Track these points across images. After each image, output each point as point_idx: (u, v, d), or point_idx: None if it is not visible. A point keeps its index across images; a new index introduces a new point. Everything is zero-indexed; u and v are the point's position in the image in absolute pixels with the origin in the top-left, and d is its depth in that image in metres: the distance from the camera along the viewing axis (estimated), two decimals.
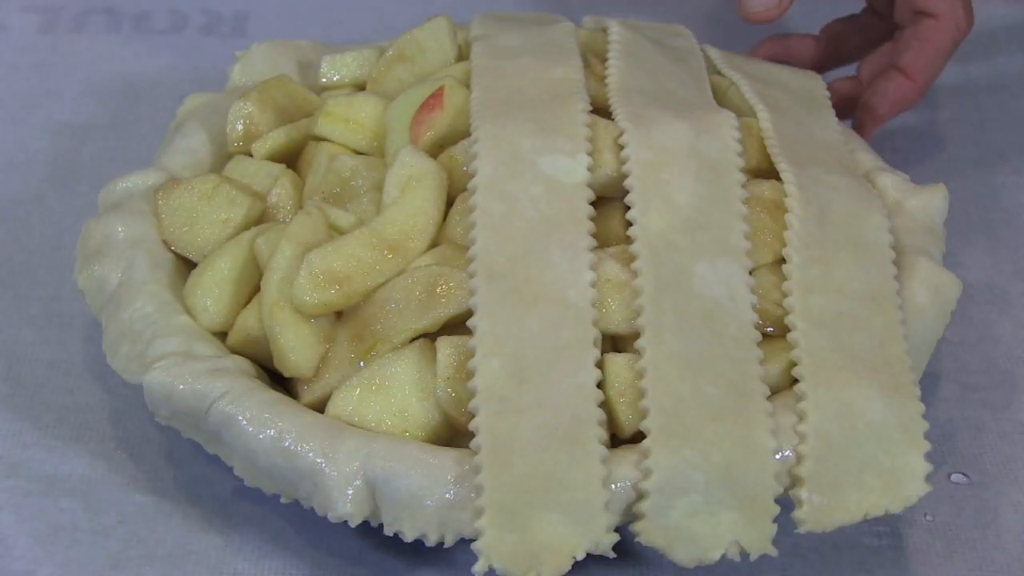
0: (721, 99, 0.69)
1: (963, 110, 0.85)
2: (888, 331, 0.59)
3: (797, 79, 0.73)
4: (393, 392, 0.57)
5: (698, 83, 0.69)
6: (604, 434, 0.55)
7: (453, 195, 0.63)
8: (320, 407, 0.58)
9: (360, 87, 0.72)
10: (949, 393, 0.67)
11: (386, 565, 0.59)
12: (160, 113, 0.82)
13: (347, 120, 0.67)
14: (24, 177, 0.80)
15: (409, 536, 0.55)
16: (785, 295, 0.60)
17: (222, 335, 0.62)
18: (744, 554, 0.54)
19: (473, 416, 0.55)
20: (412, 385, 0.57)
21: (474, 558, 0.53)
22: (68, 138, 0.83)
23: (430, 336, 0.58)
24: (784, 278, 0.60)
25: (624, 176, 0.61)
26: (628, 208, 0.60)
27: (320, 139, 0.67)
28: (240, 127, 0.69)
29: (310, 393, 0.59)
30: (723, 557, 0.54)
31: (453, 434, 0.58)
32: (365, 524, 0.56)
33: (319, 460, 0.55)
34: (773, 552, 0.55)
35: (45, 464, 0.63)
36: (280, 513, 0.61)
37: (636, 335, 0.57)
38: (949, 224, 0.68)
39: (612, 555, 0.54)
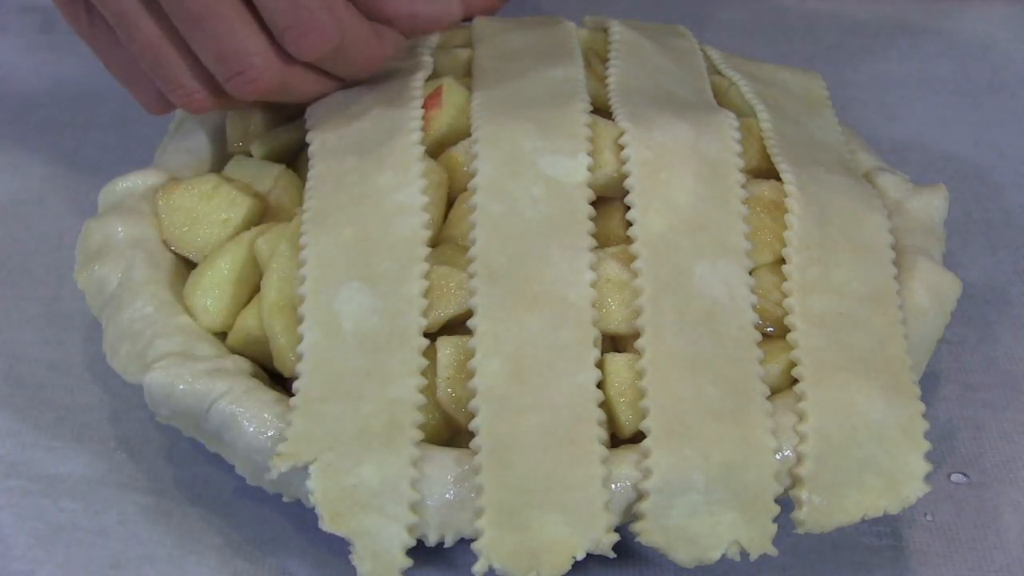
0: (721, 99, 0.69)
1: (963, 110, 0.86)
2: (888, 331, 0.59)
3: (797, 79, 0.73)
4: None
5: (698, 83, 0.69)
6: (604, 434, 0.55)
7: (453, 195, 0.63)
8: None
9: None
10: (949, 393, 0.67)
11: None
12: None
13: None
14: (24, 177, 0.80)
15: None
16: (785, 295, 0.60)
17: (222, 335, 0.62)
18: (744, 554, 0.54)
19: (473, 416, 0.55)
20: None
21: (474, 558, 0.53)
22: (68, 138, 0.83)
23: (430, 336, 0.58)
24: (784, 278, 0.60)
25: (624, 176, 0.61)
26: (628, 208, 0.60)
27: None
28: (240, 127, 0.69)
29: None
30: (723, 557, 0.54)
31: (453, 434, 0.58)
32: None
33: None
34: (773, 552, 0.55)
35: (45, 464, 0.63)
36: (281, 512, 0.61)
37: (636, 335, 0.57)
38: (949, 224, 0.68)
39: (612, 555, 0.54)
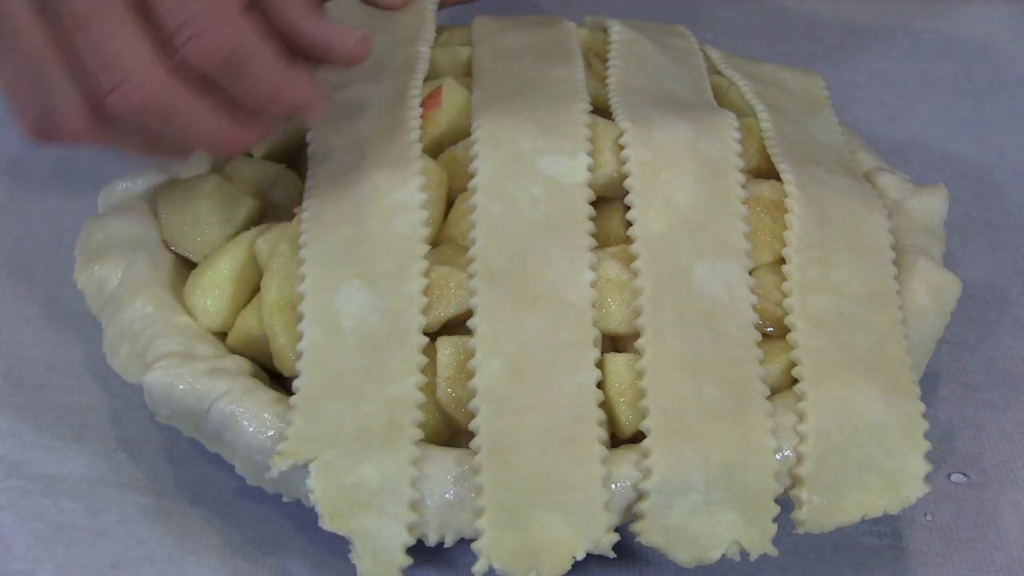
0: (721, 99, 0.69)
1: (963, 110, 0.85)
2: (888, 331, 0.59)
3: (797, 79, 0.73)
4: None
5: (698, 83, 0.69)
6: (604, 434, 0.55)
7: (453, 195, 0.63)
8: None
9: None
10: (949, 393, 0.67)
11: None
12: None
13: None
14: (24, 177, 0.80)
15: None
16: (785, 295, 0.60)
17: (222, 335, 0.62)
18: (744, 554, 0.54)
19: (473, 416, 0.55)
20: None
21: (474, 558, 0.53)
22: None
23: (430, 336, 0.58)
24: (784, 278, 0.60)
25: (624, 176, 0.61)
26: (628, 208, 0.60)
27: None
28: None
29: None
30: (723, 557, 0.54)
31: (453, 434, 0.58)
32: None
33: None
34: (773, 552, 0.55)
35: (45, 464, 0.63)
36: (281, 512, 0.61)
37: (636, 335, 0.57)
38: (949, 224, 0.68)
39: (612, 555, 0.54)
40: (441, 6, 0.72)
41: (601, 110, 0.64)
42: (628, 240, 0.60)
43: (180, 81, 0.53)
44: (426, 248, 0.59)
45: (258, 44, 0.54)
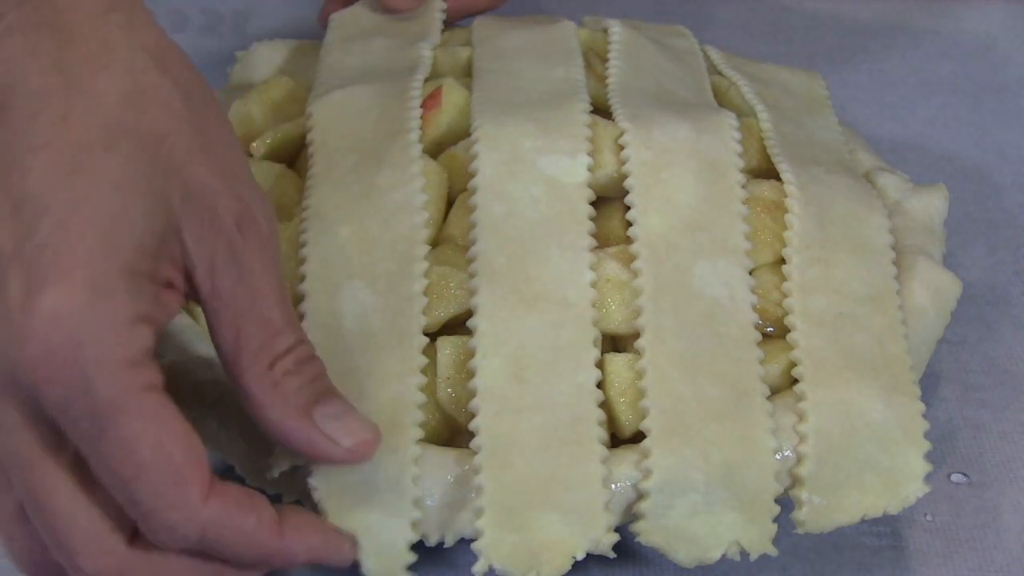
0: (721, 99, 0.69)
1: (963, 110, 0.85)
2: (888, 331, 0.59)
3: (797, 79, 0.73)
4: None
5: (698, 83, 0.69)
6: (604, 434, 0.55)
7: (453, 195, 0.63)
8: None
9: None
10: (949, 393, 0.67)
11: None
12: None
13: None
14: None
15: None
16: (785, 295, 0.60)
17: None
18: (744, 554, 0.54)
19: (473, 416, 0.55)
20: None
21: (474, 558, 0.53)
22: None
23: (430, 336, 0.58)
24: (784, 278, 0.60)
25: (624, 176, 0.61)
26: (628, 208, 0.60)
27: None
28: (240, 127, 0.69)
29: None
30: (723, 557, 0.54)
31: (453, 434, 0.58)
32: None
33: None
34: (773, 552, 0.55)
35: None
36: None
37: (636, 335, 0.57)
38: (949, 224, 0.68)
39: (612, 555, 0.54)
40: (449, 20, 0.72)
41: (601, 110, 0.64)
42: (628, 240, 0.60)
43: (144, 553, 0.48)
44: (426, 248, 0.59)
45: (232, 522, 0.48)
